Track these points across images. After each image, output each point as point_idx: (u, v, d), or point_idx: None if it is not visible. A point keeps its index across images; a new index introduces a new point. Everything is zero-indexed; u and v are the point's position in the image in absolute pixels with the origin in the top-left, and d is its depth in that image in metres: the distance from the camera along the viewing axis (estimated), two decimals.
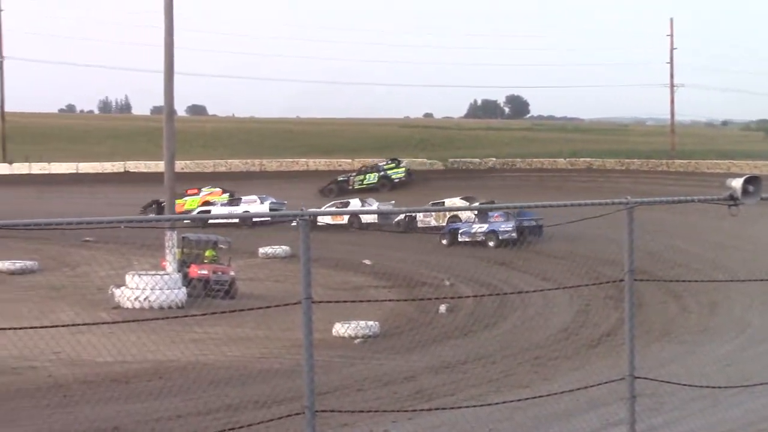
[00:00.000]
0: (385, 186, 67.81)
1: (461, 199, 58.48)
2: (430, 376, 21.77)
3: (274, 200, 59.02)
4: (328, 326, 27.29)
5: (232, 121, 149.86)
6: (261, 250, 45.56)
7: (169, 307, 32.85)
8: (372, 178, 68.16)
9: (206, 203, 61.19)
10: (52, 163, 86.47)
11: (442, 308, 31.83)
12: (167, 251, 35.38)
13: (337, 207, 57.31)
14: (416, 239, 49.00)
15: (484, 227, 50.60)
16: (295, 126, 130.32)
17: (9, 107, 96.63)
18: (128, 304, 33.01)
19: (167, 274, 34.54)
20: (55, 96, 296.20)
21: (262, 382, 20.53)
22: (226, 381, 20.68)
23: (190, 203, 61.54)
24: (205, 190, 63.45)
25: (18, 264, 40.20)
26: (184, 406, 18.57)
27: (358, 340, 27.76)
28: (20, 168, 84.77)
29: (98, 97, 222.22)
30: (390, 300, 33.84)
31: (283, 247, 45.21)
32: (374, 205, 57.67)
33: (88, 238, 47.00)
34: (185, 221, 44.19)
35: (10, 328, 22.77)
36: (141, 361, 23.06)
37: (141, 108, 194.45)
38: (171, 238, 35.20)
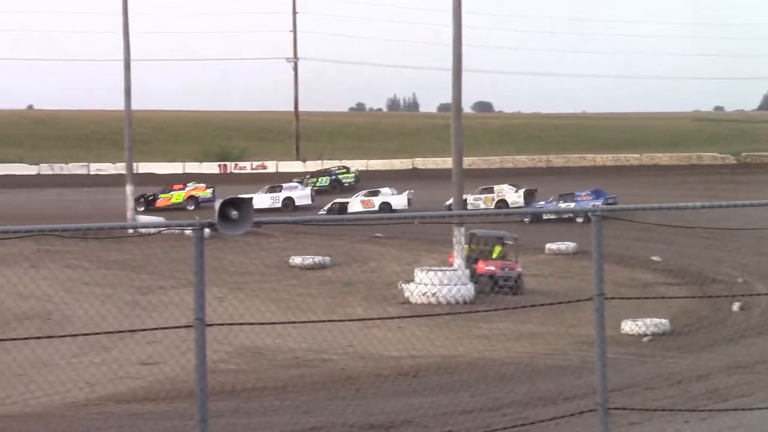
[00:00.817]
0: (335, 189, 72.81)
1: (509, 186, 64.14)
2: (723, 375, 21.04)
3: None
4: (617, 323, 26.82)
5: (518, 117, 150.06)
6: (548, 246, 45.31)
7: (457, 303, 33.05)
8: (324, 181, 74.09)
9: (191, 197, 66.88)
10: (343, 161, 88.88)
11: (735, 306, 30.79)
12: (455, 247, 35.65)
13: (366, 196, 62.64)
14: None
15: (572, 206, 55.95)
16: (582, 121, 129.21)
17: (302, 107, 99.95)
18: (417, 300, 33.43)
19: (455, 270, 34.79)
20: (345, 95, 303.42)
21: (550, 378, 20.36)
22: (513, 377, 20.63)
23: (176, 197, 67.30)
24: (190, 185, 68.76)
25: (312, 259, 41.40)
26: (473, 401, 18.60)
27: (647, 337, 27.18)
28: (313, 166, 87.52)
29: (387, 96, 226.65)
30: (681, 297, 32.98)
31: (570, 243, 44.80)
32: (392, 193, 62.80)
33: (378, 234, 48.02)
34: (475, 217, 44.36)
35: (306, 321, 23.60)
36: (429, 356, 23.26)
37: (428, 105, 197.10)
38: (459, 234, 35.44)
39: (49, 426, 16.64)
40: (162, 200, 66.19)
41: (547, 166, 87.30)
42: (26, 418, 17.24)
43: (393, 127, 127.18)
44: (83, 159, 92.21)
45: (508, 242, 38.43)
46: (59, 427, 16.52)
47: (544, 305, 26.86)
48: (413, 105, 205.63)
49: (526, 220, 52.36)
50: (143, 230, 43.67)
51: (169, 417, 17.34)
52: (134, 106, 53.37)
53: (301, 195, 65.98)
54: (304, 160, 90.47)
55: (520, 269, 36.68)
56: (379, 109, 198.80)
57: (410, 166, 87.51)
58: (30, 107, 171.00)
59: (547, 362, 22.94)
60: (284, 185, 67.95)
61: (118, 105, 56.57)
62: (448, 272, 34.38)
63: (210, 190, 67.94)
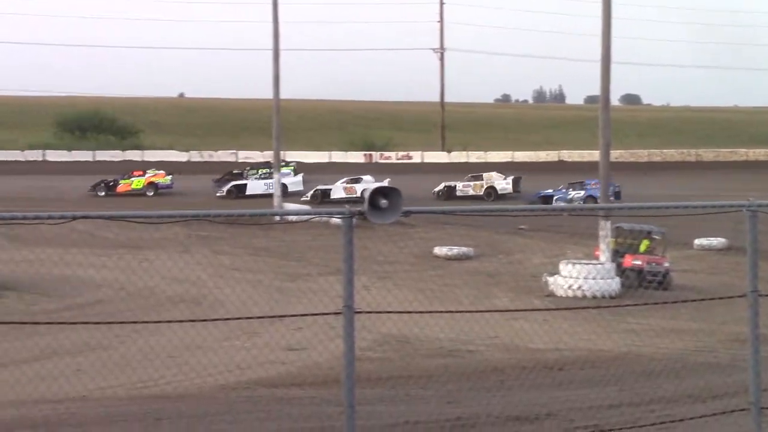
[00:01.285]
0: None
1: (497, 173, 67.61)
2: None
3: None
4: None
5: (667, 110, 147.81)
6: (696, 242, 44.52)
7: (602, 297, 32.79)
8: (263, 173, 74.87)
9: (150, 183, 68.89)
10: (488, 152, 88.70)
11: None
12: (601, 240, 35.33)
13: (348, 183, 65.18)
14: None
15: (581, 193, 59.32)
16: (733, 115, 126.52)
17: (448, 98, 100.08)
18: (561, 293, 33.25)
19: (601, 264, 34.49)
20: (491, 86, 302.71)
21: (699, 375, 20.03)
22: (661, 373, 20.36)
23: (136, 183, 69.22)
24: (149, 172, 70.88)
25: (455, 250, 41.48)
26: (618, 396, 18.41)
27: None
28: (458, 157, 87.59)
29: (532, 87, 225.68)
30: None
31: (721, 238, 43.93)
32: (373, 181, 63.87)
33: (522, 226, 47.82)
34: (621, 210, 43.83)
35: (452, 311, 23.63)
36: (574, 349, 23.11)
37: (575, 97, 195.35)
38: (605, 228, 35.10)
39: (201, 407, 17.00)
40: (122, 186, 68.51)
41: (697, 160, 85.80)
42: (179, 399, 17.65)
43: (539, 118, 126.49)
44: (231, 146, 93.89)
45: (656, 237, 37.90)
46: (210, 408, 16.87)
47: (695, 301, 26.43)
48: (559, 96, 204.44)
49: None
50: (291, 218, 44.47)
51: (315, 402, 17.57)
52: (282, 95, 54.09)
53: (294, 182, 68.87)
54: (449, 151, 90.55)
55: (667, 264, 36.16)
56: (525, 101, 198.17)
57: (556, 159, 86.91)
58: (181, 95, 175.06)
59: (695, 359, 22.57)
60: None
61: (266, 93, 57.51)
62: (594, 265, 34.10)
63: (169, 177, 70.36)
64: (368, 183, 64.45)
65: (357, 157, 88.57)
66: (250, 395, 18.36)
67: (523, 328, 22.93)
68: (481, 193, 64.62)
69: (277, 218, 46.38)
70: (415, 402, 17.95)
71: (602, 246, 35.27)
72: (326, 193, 64.22)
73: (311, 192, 64.38)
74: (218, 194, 66.91)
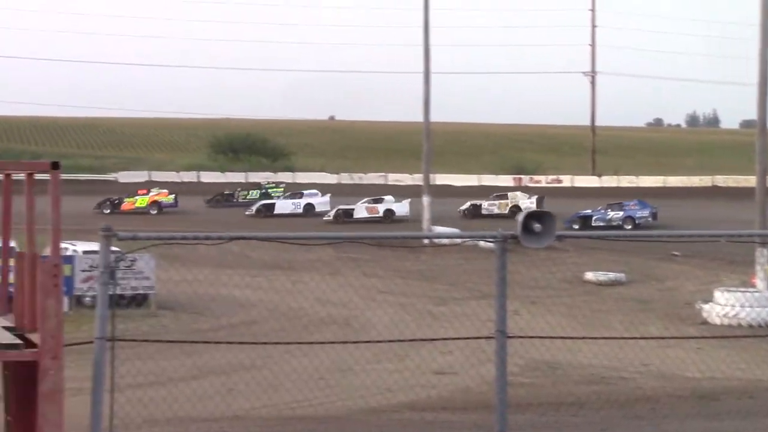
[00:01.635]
0: None
1: (521, 192, 70.05)
2: None
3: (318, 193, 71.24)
4: None
5: None
6: None
7: (759, 326, 31.99)
8: (254, 194, 76.30)
9: (154, 202, 70.12)
10: (639, 177, 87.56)
11: None
12: (758, 267, 34.53)
13: (370, 203, 65.27)
14: None
15: (620, 214, 60.19)
16: None
17: (599, 121, 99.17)
18: (716, 320, 32.54)
19: (757, 292, 33.71)
20: (643, 110, 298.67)
21: None
22: None
23: (140, 201, 70.49)
24: (153, 191, 72.30)
25: (607, 275, 41.03)
26: None
27: None
28: (609, 181, 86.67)
29: (686, 111, 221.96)
30: None
31: None
32: (395, 201, 65.72)
33: (675, 253, 47.01)
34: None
35: (606, 338, 23.36)
36: (730, 379, 22.63)
37: (730, 122, 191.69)
38: (763, 255, 34.29)
39: (349, 429, 17.14)
40: (127, 204, 70.18)
41: None
42: (329, 420, 17.82)
43: (692, 143, 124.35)
44: (381, 169, 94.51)
45: None
46: (359, 431, 16.99)
47: None
48: (713, 121, 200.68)
49: (575, 226, 58.37)
50: (444, 240, 44.51)
51: (466, 427, 17.56)
52: (432, 118, 54.06)
53: (321, 201, 69.61)
54: (599, 175, 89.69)
55: None
56: (678, 125, 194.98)
57: (710, 184, 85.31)
58: (331, 118, 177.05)
59: None
60: (305, 192, 72.69)
61: (416, 116, 57.62)
62: (751, 293, 33.31)
63: (172, 196, 71.54)
64: (390, 203, 65.25)
65: (506, 180, 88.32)
66: (400, 418, 18.42)
67: (678, 356, 22.58)
68: (506, 212, 64.98)
69: (426, 241, 46.52)
70: (566, 428, 17.79)
71: (760, 273, 34.47)
72: (348, 213, 64.64)
73: (333, 212, 64.86)
74: (247, 213, 68.49)
